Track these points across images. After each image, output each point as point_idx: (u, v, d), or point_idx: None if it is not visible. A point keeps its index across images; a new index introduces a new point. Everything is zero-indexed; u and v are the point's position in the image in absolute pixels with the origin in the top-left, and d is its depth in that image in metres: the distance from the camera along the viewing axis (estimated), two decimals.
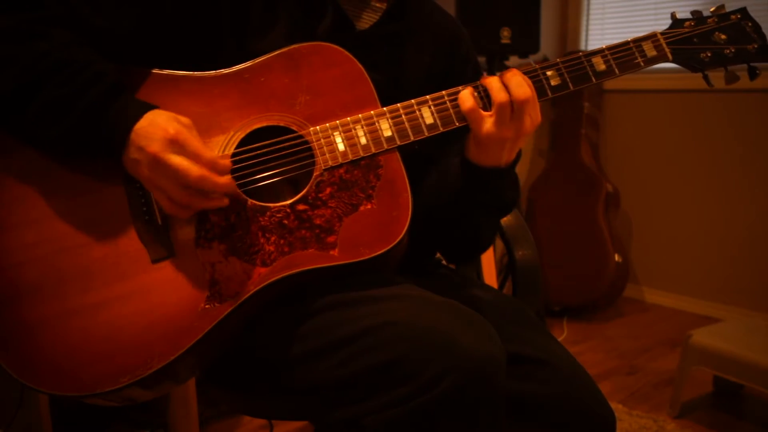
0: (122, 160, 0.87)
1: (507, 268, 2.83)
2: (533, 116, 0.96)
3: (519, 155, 1.03)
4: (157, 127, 0.85)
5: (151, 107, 0.88)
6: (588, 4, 3.42)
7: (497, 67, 2.76)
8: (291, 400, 0.93)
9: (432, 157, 1.12)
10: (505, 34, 2.72)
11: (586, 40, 3.44)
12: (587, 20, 3.43)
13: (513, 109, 0.94)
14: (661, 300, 3.29)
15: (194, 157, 0.84)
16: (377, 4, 1.07)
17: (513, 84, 0.94)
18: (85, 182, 0.90)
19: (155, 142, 0.84)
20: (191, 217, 0.90)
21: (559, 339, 1.95)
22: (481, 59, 2.76)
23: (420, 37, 1.10)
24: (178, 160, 0.84)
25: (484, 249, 1.15)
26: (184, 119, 0.87)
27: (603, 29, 3.37)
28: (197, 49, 0.97)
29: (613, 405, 1.62)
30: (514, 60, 2.84)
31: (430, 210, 1.06)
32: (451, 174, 1.05)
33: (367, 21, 1.06)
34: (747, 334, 2.13)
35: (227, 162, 0.88)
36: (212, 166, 0.85)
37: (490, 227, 1.14)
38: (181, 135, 0.84)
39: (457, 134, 1.11)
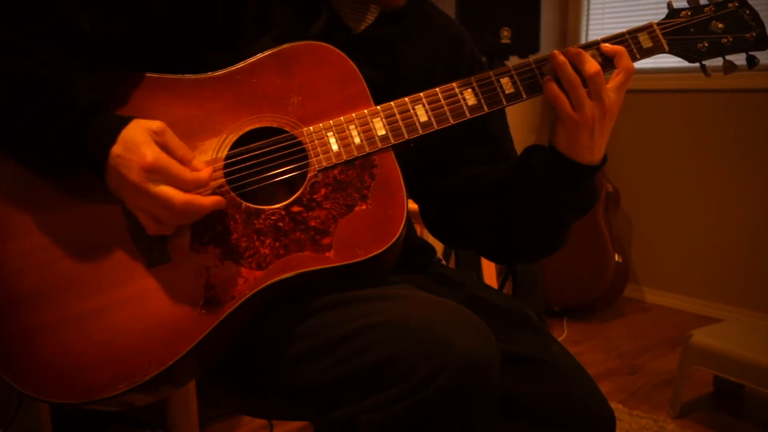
0: (105, 180, 0.86)
1: (507, 268, 2.84)
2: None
3: (605, 158, 1.01)
4: (134, 153, 0.83)
5: (124, 124, 0.86)
6: (588, 4, 3.42)
7: (497, 67, 2.76)
8: (288, 400, 0.93)
9: (447, 164, 1.12)
10: (505, 34, 2.72)
11: (586, 40, 3.44)
12: (587, 20, 3.43)
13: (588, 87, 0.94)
14: (661, 300, 3.29)
15: (177, 181, 0.83)
16: (372, 8, 1.06)
17: (581, 61, 0.94)
18: (80, 191, 0.90)
19: (133, 172, 0.83)
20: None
21: (559, 339, 1.95)
22: None
23: (417, 40, 1.10)
24: (159, 189, 0.82)
25: (560, 248, 1.12)
26: (156, 126, 0.85)
27: (603, 29, 3.37)
28: (191, 51, 0.96)
29: (613, 405, 1.62)
30: (514, 60, 2.84)
31: (506, 213, 1.05)
32: (534, 173, 1.02)
33: (362, 24, 1.06)
34: (747, 334, 2.12)
35: (209, 171, 0.86)
36: (196, 185, 0.84)
37: (569, 228, 1.09)
38: (158, 162, 0.83)
39: (472, 141, 1.11)
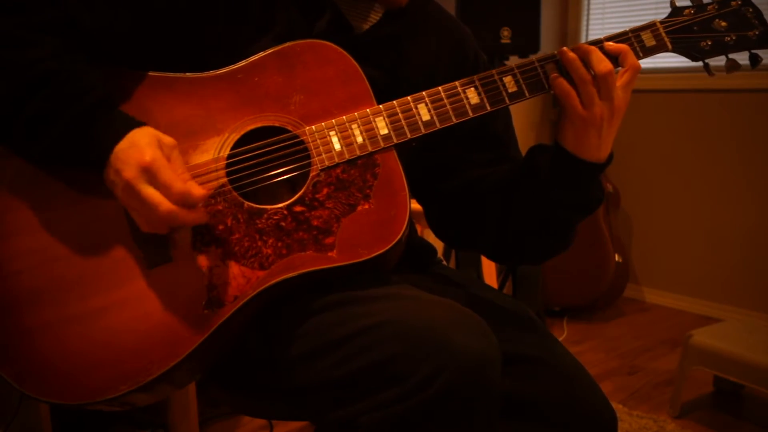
0: (103, 177, 0.86)
1: (507, 268, 2.84)
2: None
3: (611, 156, 1.01)
4: (135, 151, 0.83)
5: (136, 125, 0.86)
6: (588, 4, 3.42)
7: (497, 67, 2.76)
8: (288, 400, 0.92)
9: (451, 166, 1.12)
10: (505, 34, 2.72)
11: (587, 40, 3.44)
12: (587, 20, 3.43)
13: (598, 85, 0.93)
14: (661, 300, 3.29)
15: (165, 188, 0.82)
16: (377, 7, 1.06)
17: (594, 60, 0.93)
18: (81, 190, 0.90)
19: (130, 168, 0.82)
20: None
21: (559, 339, 1.94)
22: None
23: (421, 40, 1.09)
24: (149, 192, 0.82)
25: (566, 249, 1.11)
26: (168, 140, 0.86)
27: (603, 29, 3.37)
28: (193, 49, 0.96)
29: (614, 405, 1.61)
30: (514, 60, 2.84)
31: (511, 213, 1.05)
32: (539, 172, 1.02)
33: (366, 24, 1.06)
34: (747, 334, 2.12)
35: (202, 192, 0.85)
36: (184, 199, 0.83)
37: (574, 228, 1.08)
38: (155, 164, 0.82)
39: (477, 143, 1.11)
